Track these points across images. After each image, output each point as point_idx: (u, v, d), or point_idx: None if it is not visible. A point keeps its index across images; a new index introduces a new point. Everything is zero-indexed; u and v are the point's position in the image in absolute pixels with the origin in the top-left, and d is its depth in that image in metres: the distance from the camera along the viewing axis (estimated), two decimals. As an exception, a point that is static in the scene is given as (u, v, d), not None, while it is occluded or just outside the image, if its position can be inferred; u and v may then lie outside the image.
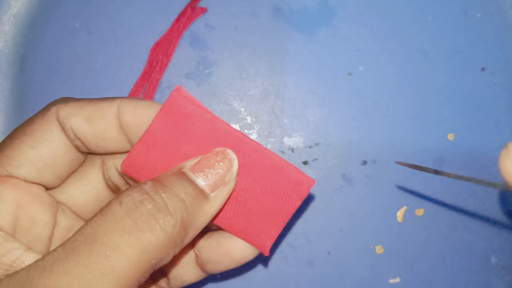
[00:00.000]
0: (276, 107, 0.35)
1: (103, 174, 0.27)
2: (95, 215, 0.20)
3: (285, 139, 0.35)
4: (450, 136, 0.36)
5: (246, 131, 0.35)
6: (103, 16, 0.36)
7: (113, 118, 0.24)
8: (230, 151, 0.23)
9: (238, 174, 0.24)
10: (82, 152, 0.26)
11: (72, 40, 0.36)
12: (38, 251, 0.23)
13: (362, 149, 0.35)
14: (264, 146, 0.35)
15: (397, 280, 0.35)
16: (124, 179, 0.27)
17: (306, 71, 0.36)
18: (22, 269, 0.19)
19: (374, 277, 0.35)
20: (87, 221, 0.20)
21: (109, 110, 0.24)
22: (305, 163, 0.35)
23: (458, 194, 0.36)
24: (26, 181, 0.23)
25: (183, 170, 0.22)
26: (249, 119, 0.35)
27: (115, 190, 0.27)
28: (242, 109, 0.35)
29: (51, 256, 0.19)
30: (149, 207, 0.20)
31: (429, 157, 0.35)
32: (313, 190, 0.35)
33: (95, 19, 0.36)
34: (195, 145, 0.24)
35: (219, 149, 0.24)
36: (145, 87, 0.35)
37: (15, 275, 0.19)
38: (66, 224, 0.25)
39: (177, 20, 0.35)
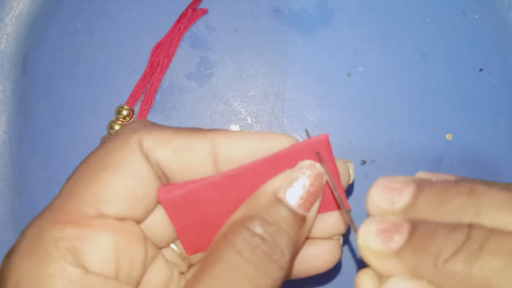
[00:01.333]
0: (276, 107, 0.36)
1: None
2: (211, 265, 0.20)
3: (285, 139, 0.35)
4: (448, 136, 0.36)
5: (246, 131, 0.35)
6: (105, 17, 0.36)
7: (208, 153, 0.22)
8: (316, 164, 0.22)
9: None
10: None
11: (73, 41, 0.36)
12: None
13: (361, 149, 0.36)
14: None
15: (396, 278, 0.35)
16: None
17: (306, 71, 0.36)
18: None
19: (373, 275, 0.35)
20: (201, 271, 0.20)
21: (202, 143, 0.22)
22: (304, 163, 0.35)
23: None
24: (118, 218, 0.21)
25: (279, 196, 0.21)
26: (249, 120, 0.35)
27: None
28: (243, 110, 0.36)
29: None
30: (265, 249, 0.20)
31: (428, 157, 0.36)
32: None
33: (96, 20, 0.36)
34: (219, 206, 0.23)
35: (306, 163, 0.22)
36: (146, 88, 0.35)
37: None
38: (150, 256, 0.23)
39: (178, 21, 0.35)
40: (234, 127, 0.36)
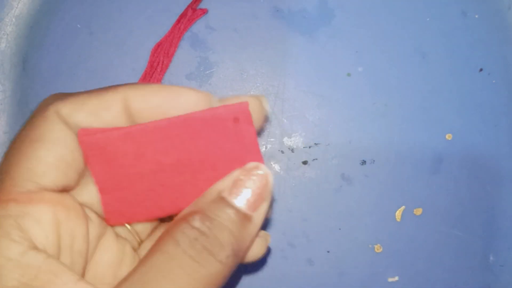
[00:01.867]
0: (276, 107, 0.36)
1: None
2: (151, 255, 0.20)
3: (285, 139, 0.35)
4: (448, 136, 0.36)
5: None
6: (105, 18, 0.36)
7: (121, 108, 0.23)
8: (262, 166, 0.23)
9: (183, 156, 0.23)
10: None
11: (74, 41, 0.36)
12: (80, 268, 0.22)
13: (361, 149, 0.36)
14: (264, 146, 0.35)
15: (396, 278, 0.35)
16: None
17: (306, 72, 0.36)
18: None
19: (373, 275, 0.35)
20: (142, 261, 0.20)
21: (115, 101, 0.23)
22: (304, 163, 0.35)
23: (456, 194, 0.36)
24: (56, 189, 0.22)
25: (223, 195, 0.22)
26: (249, 120, 0.35)
27: None
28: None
29: None
30: (204, 243, 0.20)
31: (427, 157, 0.36)
32: (313, 190, 0.35)
33: (96, 20, 0.36)
34: (143, 162, 0.23)
35: (251, 165, 0.23)
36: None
37: None
38: (96, 232, 0.23)
39: (178, 21, 0.35)
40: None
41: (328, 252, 0.35)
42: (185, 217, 0.21)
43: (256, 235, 0.23)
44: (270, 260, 0.35)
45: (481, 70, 0.36)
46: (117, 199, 0.23)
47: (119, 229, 0.25)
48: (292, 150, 0.35)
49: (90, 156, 0.23)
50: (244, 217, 0.22)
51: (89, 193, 0.24)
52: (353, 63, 0.36)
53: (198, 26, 0.36)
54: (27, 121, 0.23)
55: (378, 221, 0.35)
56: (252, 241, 0.22)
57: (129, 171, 0.23)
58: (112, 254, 0.24)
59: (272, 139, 0.35)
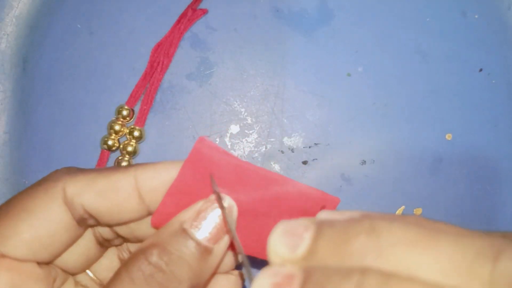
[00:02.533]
0: (276, 107, 0.36)
1: (94, 232, 0.25)
2: None
3: (285, 139, 0.35)
4: (448, 136, 0.36)
5: (246, 131, 0.35)
6: (105, 18, 0.36)
7: (132, 189, 0.23)
8: (227, 197, 0.23)
9: (262, 208, 0.23)
10: (88, 226, 0.24)
11: (74, 41, 0.36)
12: None
13: (361, 149, 0.36)
14: (264, 146, 0.35)
15: (396, 278, 0.35)
16: (113, 231, 0.25)
17: (306, 71, 0.36)
18: None
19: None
20: None
21: (125, 181, 0.23)
22: (304, 163, 0.35)
23: (455, 194, 0.36)
24: (19, 260, 0.22)
25: (184, 226, 0.22)
26: (249, 120, 0.36)
27: (103, 243, 0.26)
28: (243, 110, 0.36)
29: None
30: (159, 280, 0.20)
31: (427, 157, 0.36)
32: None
33: (96, 20, 0.36)
34: (222, 191, 0.23)
35: (214, 196, 0.22)
36: (146, 88, 0.35)
37: None
38: (58, 285, 0.24)
39: (178, 21, 0.36)
40: (234, 127, 0.36)
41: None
42: (144, 250, 0.21)
43: (217, 266, 0.22)
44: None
45: (481, 70, 0.36)
46: (174, 207, 0.23)
47: (81, 277, 0.26)
48: (292, 150, 0.35)
49: (190, 161, 0.23)
50: (205, 250, 0.21)
51: (60, 257, 0.24)
52: (353, 63, 0.36)
53: (198, 26, 0.36)
54: (31, 187, 0.23)
55: (378, 221, 0.35)
56: (211, 273, 0.22)
57: (205, 192, 0.23)
58: None
59: (272, 139, 0.35)
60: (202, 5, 0.36)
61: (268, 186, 0.23)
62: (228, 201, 0.23)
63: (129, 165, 0.24)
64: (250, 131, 0.35)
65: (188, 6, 0.36)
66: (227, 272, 0.25)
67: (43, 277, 0.23)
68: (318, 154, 0.35)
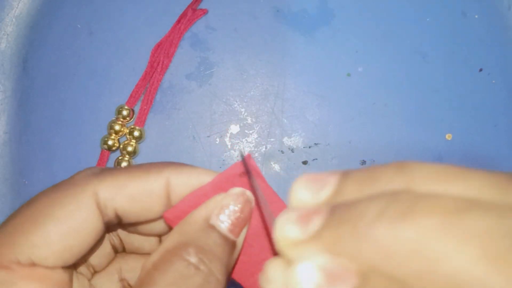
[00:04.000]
0: (276, 107, 0.36)
1: (110, 243, 0.25)
2: None
3: (285, 139, 0.35)
4: (448, 136, 0.36)
5: (246, 131, 0.35)
6: (105, 18, 0.36)
7: (163, 193, 0.22)
8: (247, 191, 0.22)
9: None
10: (113, 229, 0.24)
11: (74, 41, 0.36)
12: None
13: (361, 149, 0.36)
14: (264, 146, 0.35)
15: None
16: (126, 229, 0.25)
17: (306, 71, 0.36)
18: None
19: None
20: None
21: (157, 185, 0.22)
22: (304, 163, 0.35)
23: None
24: (48, 267, 0.21)
25: (211, 222, 0.21)
26: (249, 120, 0.36)
27: (115, 245, 0.26)
28: (243, 110, 0.36)
29: None
30: (199, 281, 0.20)
31: (428, 157, 0.36)
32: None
33: (96, 20, 0.36)
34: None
35: (237, 190, 0.22)
36: (146, 88, 0.35)
37: None
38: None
39: (178, 21, 0.36)
40: (234, 127, 0.36)
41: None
42: (175, 251, 0.20)
43: (238, 257, 0.22)
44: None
45: (481, 70, 0.36)
46: (194, 205, 0.23)
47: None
48: (292, 150, 0.35)
49: (230, 175, 0.23)
50: (232, 245, 0.21)
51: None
52: (353, 63, 0.36)
53: (198, 26, 0.36)
54: (60, 188, 0.22)
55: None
56: (234, 264, 0.22)
57: None
58: None
59: (272, 139, 0.35)
60: (202, 5, 0.36)
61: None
62: (248, 193, 0.22)
63: (161, 165, 0.23)
64: (250, 131, 0.35)
65: (188, 6, 0.36)
66: None
67: (69, 283, 0.22)
68: (318, 154, 0.35)
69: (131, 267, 0.26)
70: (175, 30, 0.35)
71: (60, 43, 0.36)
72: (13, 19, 0.36)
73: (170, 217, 0.23)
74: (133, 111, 0.35)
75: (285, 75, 0.36)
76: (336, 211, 0.15)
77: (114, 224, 0.23)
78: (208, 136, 0.35)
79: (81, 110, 0.36)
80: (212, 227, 0.21)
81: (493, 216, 0.12)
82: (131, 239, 0.26)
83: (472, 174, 0.14)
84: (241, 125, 0.36)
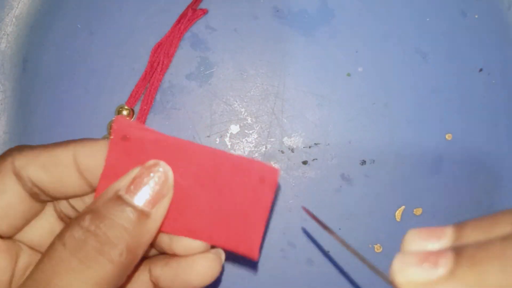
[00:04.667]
0: (276, 107, 0.36)
1: (55, 209, 0.26)
2: (42, 259, 0.21)
3: (285, 139, 0.35)
4: (448, 136, 0.36)
5: (246, 131, 0.35)
6: (105, 18, 0.36)
7: (70, 163, 0.24)
8: (162, 163, 0.23)
9: (200, 185, 0.24)
10: (42, 201, 0.25)
11: (74, 41, 0.36)
12: None
13: (361, 149, 0.36)
14: (264, 146, 0.35)
15: (396, 278, 0.35)
16: (72, 207, 0.26)
17: (306, 71, 0.36)
18: None
19: (373, 275, 0.35)
20: (35, 265, 0.21)
21: (64, 156, 0.24)
22: (304, 163, 0.35)
23: (456, 194, 0.36)
24: None
25: (119, 193, 0.22)
26: (249, 120, 0.36)
27: (65, 220, 0.27)
28: (243, 110, 0.36)
29: None
30: (92, 243, 0.20)
31: (427, 157, 0.36)
32: (313, 190, 0.35)
33: (97, 20, 0.36)
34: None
35: (151, 162, 0.23)
36: (146, 88, 0.35)
37: None
38: (25, 262, 0.25)
39: (178, 21, 0.36)
40: (234, 127, 0.36)
41: (329, 252, 0.35)
42: (77, 217, 0.21)
43: (157, 230, 0.23)
44: (271, 260, 0.35)
45: (481, 70, 0.36)
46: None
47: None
48: (292, 150, 0.35)
49: (114, 142, 0.23)
50: (142, 214, 0.22)
51: (23, 232, 0.25)
52: (353, 63, 0.36)
53: (198, 26, 0.36)
54: None
55: (378, 221, 0.35)
56: (151, 238, 0.22)
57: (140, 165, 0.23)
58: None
59: (272, 139, 0.35)
60: (202, 5, 0.36)
61: (202, 160, 0.23)
62: (163, 166, 0.23)
63: (69, 140, 0.24)
64: (250, 131, 0.35)
65: (188, 6, 0.36)
66: (204, 252, 0.25)
67: (5, 249, 0.24)
68: (318, 154, 0.36)
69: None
70: (175, 30, 0.35)
71: (60, 43, 0.36)
72: (13, 19, 0.36)
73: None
74: (133, 111, 0.35)
75: (285, 75, 0.36)
76: (466, 252, 0.16)
77: (44, 199, 0.25)
78: (208, 136, 0.35)
79: (81, 110, 0.36)
80: (120, 198, 0.22)
81: None
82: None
83: None
84: (241, 125, 0.36)
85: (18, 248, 0.25)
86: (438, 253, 0.16)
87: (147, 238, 0.22)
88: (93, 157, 0.24)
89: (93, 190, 0.25)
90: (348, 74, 0.36)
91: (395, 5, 0.36)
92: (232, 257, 0.35)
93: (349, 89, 0.36)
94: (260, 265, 0.35)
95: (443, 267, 0.16)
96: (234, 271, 0.35)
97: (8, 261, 0.24)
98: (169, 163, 0.23)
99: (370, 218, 0.35)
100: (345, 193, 0.35)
